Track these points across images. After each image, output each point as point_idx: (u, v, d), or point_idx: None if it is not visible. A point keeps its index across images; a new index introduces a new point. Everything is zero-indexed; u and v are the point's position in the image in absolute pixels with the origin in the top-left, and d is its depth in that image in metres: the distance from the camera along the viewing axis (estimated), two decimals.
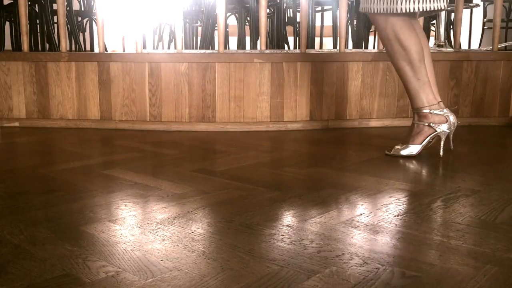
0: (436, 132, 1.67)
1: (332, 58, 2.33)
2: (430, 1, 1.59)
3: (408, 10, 1.57)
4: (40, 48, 3.84)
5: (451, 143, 1.74)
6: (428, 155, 1.74)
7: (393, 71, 2.35)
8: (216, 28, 3.25)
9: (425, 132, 1.67)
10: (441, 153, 1.69)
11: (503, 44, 3.30)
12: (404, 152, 1.69)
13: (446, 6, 1.64)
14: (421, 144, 1.68)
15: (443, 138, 1.68)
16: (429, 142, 1.70)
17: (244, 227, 1.03)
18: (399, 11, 1.58)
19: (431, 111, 1.66)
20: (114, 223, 1.05)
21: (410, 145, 1.69)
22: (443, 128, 1.66)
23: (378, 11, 1.60)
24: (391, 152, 1.71)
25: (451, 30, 3.35)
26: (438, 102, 1.68)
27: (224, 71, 2.26)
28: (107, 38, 4.51)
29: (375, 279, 0.80)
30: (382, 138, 2.09)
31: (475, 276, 0.81)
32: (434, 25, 3.16)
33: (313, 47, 3.51)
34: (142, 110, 2.30)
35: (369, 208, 1.16)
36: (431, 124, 1.66)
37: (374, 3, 1.61)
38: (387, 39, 1.64)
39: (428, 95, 1.66)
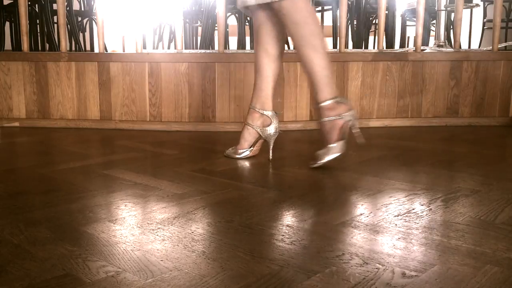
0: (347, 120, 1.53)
1: (332, 58, 2.32)
2: None
3: None
4: (40, 48, 3.84)
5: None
6: (428, 154, 1.74)
7: (393, 71, 2.35)
8: (216, 28, 3.25)
9: (338, 124, 1.52)
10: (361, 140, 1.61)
11: (503, 44, 3.30)
12: (329, 157, 1.53)
13: None
14: (343, 139, 1.54)
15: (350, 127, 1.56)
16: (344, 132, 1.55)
17: (244, 227, 1.03)
18: None
19: (337, 100, 1.53)
20: (114, 223, 1.05)
21: (330, 145, 1.54)
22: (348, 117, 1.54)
23: None
24: (318, 162, 1.54)
25: (451, 30, 3.35)
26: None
27: (224, 71, 2.26)
28: (107, 38, 4.51)
29: (375, 279, 0.80)
30: (382, 138, 2.09)
31: (475, 276, 0.81)
32: (434, 25, 3.16)
33: None
34: (142, 110, 2.30)
35: (369, 208, 1.16)
36: (341, 115, 1.52)
37: None
38: (294, 23, 1.51)
39: (333, 85, 1.54)
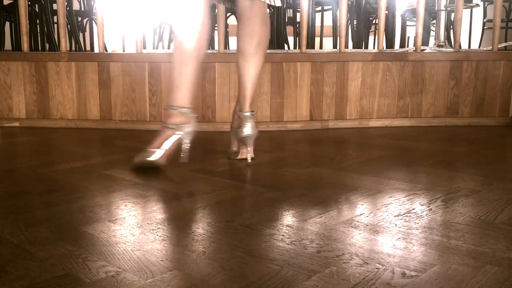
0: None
1: (332, 58, 2.33)
2: None
3: None
4: (40, 48, 3.84)
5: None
6: (428, 154, 1.74)
7: (393, 71, 2.36)
8: (216, 28, 3.25)
9: (166, 133, 1.51)
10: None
11: (503, 44, 3.30)
12: (141, 159, 1.51)
13: None
14: (165, 149, 1.50)
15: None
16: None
17: (244, 227, 1.03)
18: None
19: (180, 110, 1.49)
20: (114, 223, 1.05)
21: (149, 149, 1.51)
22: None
23: None
24: (133, 162, 1.52)
25: (451, 30, 3.35)
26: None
27: (224, 71, 2.26)
28: (107, 38, 4.51)
29: (375, 279, 0.80)
30: (382, 138, 2.09)
31: (475, 276, 0.81)
32: (434, 25, 3.16)
33: (313, 47, 3.52)
34: (142, 110, 2.30)
35: (369, 208, 1.16)
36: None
37: None
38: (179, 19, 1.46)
39: (186, 94, 1.49)
